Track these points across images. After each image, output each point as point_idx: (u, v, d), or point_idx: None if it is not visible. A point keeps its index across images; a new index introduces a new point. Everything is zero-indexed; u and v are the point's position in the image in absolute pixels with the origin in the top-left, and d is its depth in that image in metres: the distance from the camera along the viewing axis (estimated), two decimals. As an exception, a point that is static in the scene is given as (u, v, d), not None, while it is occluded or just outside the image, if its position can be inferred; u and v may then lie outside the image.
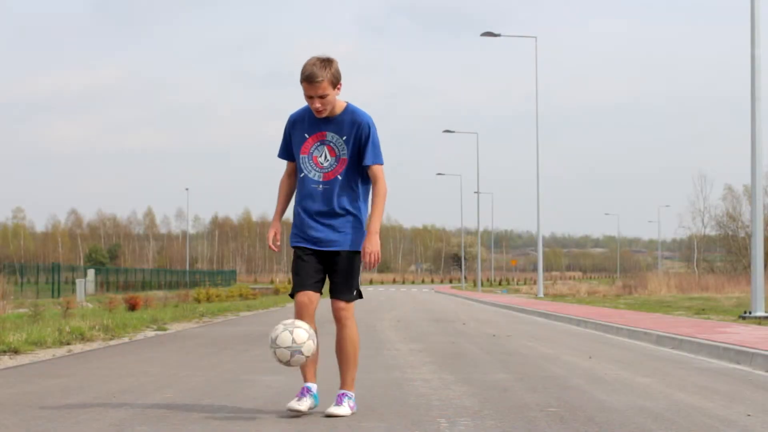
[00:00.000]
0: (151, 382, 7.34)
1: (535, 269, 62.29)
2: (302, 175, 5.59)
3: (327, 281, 5.69)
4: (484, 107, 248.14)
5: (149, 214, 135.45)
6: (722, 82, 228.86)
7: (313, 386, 5.61)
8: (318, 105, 5.45)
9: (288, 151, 5.71)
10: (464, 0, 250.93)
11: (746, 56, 17.57)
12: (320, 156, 5.56)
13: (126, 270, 65.86)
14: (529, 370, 8.43)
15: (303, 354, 5.28)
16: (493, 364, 9.13)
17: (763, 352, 9.01)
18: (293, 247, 5.65)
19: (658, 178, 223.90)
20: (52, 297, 38.30)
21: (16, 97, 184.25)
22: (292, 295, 5.59)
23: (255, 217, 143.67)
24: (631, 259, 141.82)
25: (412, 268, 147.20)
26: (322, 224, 5.55)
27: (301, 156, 5.60)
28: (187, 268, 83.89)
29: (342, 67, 5.50)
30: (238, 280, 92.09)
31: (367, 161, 5.56)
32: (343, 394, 5.57)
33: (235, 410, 5.79)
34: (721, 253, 69.89)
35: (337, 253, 5.55)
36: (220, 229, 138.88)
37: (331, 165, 5.55)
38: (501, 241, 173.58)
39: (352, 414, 5.53)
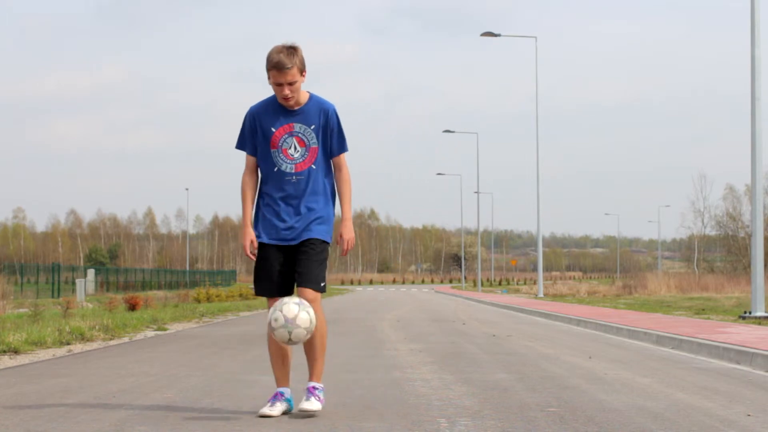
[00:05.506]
0: (151, 382, 7.34)
1: (535, 269, 62.30)
2: (276, 169, 5.55)
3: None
4: (484, 107, 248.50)
5: (149, 214, 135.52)
6: (722, 82, 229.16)
7: (287, 390, 5.58)
8: (287, 92, 5.42)
9: (251, 144, 5.62)
10: (464, 0, 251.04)
11: (746, 56, 17.60)
12: (290, 148, 5.53)
13: (126, 270, 65.83)
14: (529, 370, 8.43)
15: (300, 326, 5.17)
16: (493, 364, 9.12)
17: (763, 352, 9.01)
18: (260, 242, 5.56)
19: (658, 178, 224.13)
20: (52, 297, 38.28)
21: (17, 97, 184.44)
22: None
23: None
24: (631, 259, 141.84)
25: (412, 268, 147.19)
26: (295, 216, 5.52)
27: (271, 150, 5.55)
28: (187, 268, 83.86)
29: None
30: (238, 280, 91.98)
31: (336, 150, 5.60)
32: (313, 387, 5.51)
33: (235, 410, 5.79)
34: (721, 253, 69.88)
35: (308, 242, 5.51)
36: (220, 229, 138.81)
37: (302, 155, 5.53)
38: (501, 241, 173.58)
39: (322, 408, 5.50)
